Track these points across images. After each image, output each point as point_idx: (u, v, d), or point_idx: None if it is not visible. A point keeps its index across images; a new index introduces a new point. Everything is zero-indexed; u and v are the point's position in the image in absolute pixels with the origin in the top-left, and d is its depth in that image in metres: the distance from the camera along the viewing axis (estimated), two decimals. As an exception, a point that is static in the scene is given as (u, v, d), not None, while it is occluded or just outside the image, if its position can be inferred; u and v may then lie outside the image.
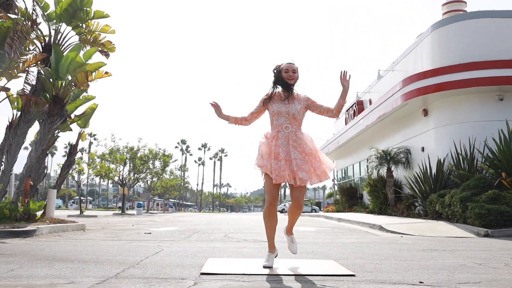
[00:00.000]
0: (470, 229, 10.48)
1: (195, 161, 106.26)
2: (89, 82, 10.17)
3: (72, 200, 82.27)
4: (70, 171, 43.41)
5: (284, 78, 4.50)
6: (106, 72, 10.34)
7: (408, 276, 4.07)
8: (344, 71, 4.43)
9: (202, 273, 4.02)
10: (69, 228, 10.15)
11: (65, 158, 12.64)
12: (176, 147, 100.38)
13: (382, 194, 18.73)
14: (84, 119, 11.84)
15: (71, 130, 11.72)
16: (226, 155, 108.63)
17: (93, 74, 10.28)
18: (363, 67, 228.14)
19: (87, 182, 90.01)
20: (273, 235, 4.51)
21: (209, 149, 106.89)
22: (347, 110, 27.09)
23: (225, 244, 7.17)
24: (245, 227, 12.92)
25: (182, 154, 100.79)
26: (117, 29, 12.04)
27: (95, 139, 72.53)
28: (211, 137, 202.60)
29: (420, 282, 3.74)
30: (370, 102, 22.29)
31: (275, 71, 4.60)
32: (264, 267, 4.37)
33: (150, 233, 9.91)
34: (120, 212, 36.82)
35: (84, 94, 11.61)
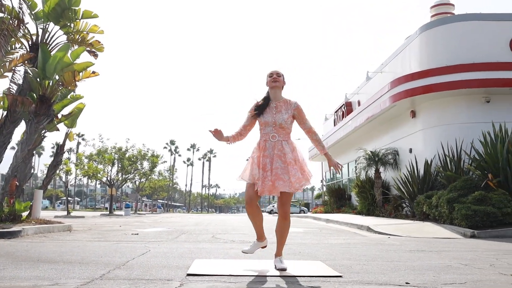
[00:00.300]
0: (456, 230, 10.55)
1: (184, 162, 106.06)
2: (76, 82, 10.09)
3: (60, 201, 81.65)
4: (57, 172, 43.10)
5: (268, 84, 4.57)
6: (94, 72, 10.26)
7: (394, 277, 4.08)
8: (340, 168, 4.67)
9: (188, 274, 4.00)
10: (55, 229, 10.06)
11: (52, 158, 12.51)
12: (165, 147, 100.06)
13: (370, 195, 18.81)
14: (71, 119, 11.74)
15: (58, 130, 11.62)
16: (215, 156, 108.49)
17: (81, 73, 10.20)
18: (353, 68, 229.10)
19: (75, 182, 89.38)
20: (259, 226, 4.54)
21: (198, 149, 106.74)
22: (335, 111, 27.19)
23: (213, 245, 7.15)
24: (232, 227, 12.89)
25: (171, 154, 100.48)
26: (106, 29, 11.98)
27: (83, 139, 72.16)
28: (200, 138, 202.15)
29: (406, 283, 3.75)
30: (359, 104, 22.39)
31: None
32: (243, 251, 4.56)
33: (137, 234, 9.85)
34: (108, 213, 36.61)
35: (72, 93, 11.52)
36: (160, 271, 4.21)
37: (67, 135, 11.86)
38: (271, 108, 4.54)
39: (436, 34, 15.45)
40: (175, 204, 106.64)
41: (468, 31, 14.97)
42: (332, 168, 4.60)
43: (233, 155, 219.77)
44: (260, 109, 4.56)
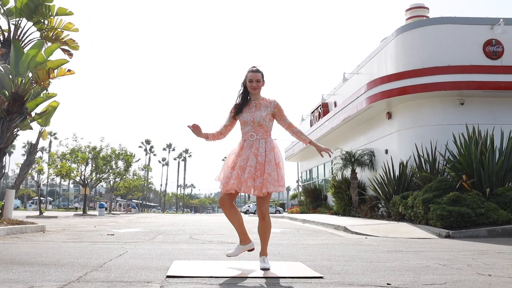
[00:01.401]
0: (432, 230, 10.68)
1: (159, 162, 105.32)
2: (50, 80, 9.87)
3: (31, 201, 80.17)
4: (30, 171, 42.27)
5: (248, 88, 4.53)
6: (69, 70, 10.05)
7: (375, 277, 4.08)
8: (330, 154, 4.71)
9: (168, 276, 3.92)
10: (28, 230, 9.83)
11: (25, 157, 12.22)
12: (140, 147, 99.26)
13: (346, 195, 18.93)
14: (45, 118, 11.49)
15: (31, 128, 11.36)
16: (190, 156, 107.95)
17: (55, 71, 9.98)
18: (329, 69, 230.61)
19: (47, 182, 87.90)
20: (239, 227, 4.53)
21: (173, 149, 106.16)
22: (312, 112, 27.32)
23: (191, 246, 7.07)
24: (209, 228, 12.81)
25: (146, 154, 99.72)
26: (81, 26, 11.78)
27: (55, 138, 71.07)
28: (175, 138, 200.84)
29: (387, 284, 3.75)
30: (335, 105, 22.53)
31: (243, 83, 4.61)
32: (227, 255, 4.52)
33: (113, 234, 9.70)
34: (82, 213, 36.05)
35: (45, 92, 11.27)
36: (139, 273, 4.13)
37: (40, 134, 11.61)
38: (250, 107, 4.53)
39: (412, 37, 15.65)
40: (150, 204, 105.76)
41: (443, 34, 15.20)
42: (323, 153, 4.63)
43: (208, 155, 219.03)
44: (239, 108, 4.53)
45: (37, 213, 29.85)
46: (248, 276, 4.03)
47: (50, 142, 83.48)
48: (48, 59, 10.00)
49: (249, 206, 57.26)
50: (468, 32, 15.11)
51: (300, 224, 16.71)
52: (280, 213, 48.47)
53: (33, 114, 11.12)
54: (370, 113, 17.13)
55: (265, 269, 4.28)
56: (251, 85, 4.51)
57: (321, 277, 4.00)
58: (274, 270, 4.34)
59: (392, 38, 16.27)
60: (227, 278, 3.90)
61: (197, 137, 4.57)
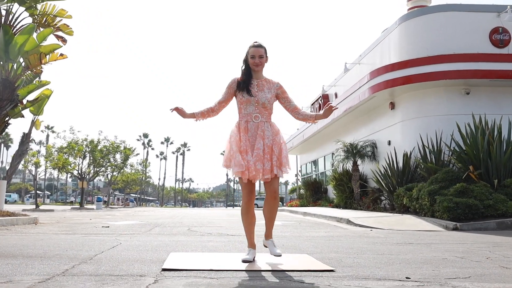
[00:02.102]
0: (438, 222, 10.32)
1: (157, 156, 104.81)
2: (43, 65, 9.46)
3: (29, 195, 79.64)
4: (26, 164, 41.86)
5: (250, 65, 4.14)
6: (62, 54, 9.63)
7: (391, 270, 3.72)
8: (335, 107, 4.10)
9: (164, 269, 3.56)
10: (19, 222, 9.46)
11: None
12: (138, 140, 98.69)
13: (347, 188, 18.55)
14: (37, 106, 11.07)
15: (22, 116, 10.92)
16: (188, 150, 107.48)
17: (47, 56, 9.57)
18: (330, 59, 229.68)
19: (45, 176, 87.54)
20: (251, 232, 4.18)
21: (171, 143, 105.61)
22: (312, 104, 26.91)
23: (189, 238, 6.70)
24: (208, 221, 12.45)
25: (144, 148, 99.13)
26: (80, 26, 11.36)
27: (53, 131, 70.36)
28: (174, 131, 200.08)
29: (406, 277, 3.39)
30: (336, 96, 22.11)
31: (244, 60, 4.22)
32: (243, 261, 4.00)
33: (108, 226, 9.33)
34: (79, 206, 35.64)
35: (38, 79, 10.85)
36: (131, 265, 3.76)
37: (33, 123, 11.20)
38: (252, 86, 4.14)
39: (416, 25, 15.22)
40: (148, 198, 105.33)
41: (448, 21, 14.78)
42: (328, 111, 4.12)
43: (207, 149, 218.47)
44: (243, 86, 4.13)
45: (34, 206, 29.41)
46: (253, 269, 3.66)
47: (48, 136, 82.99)
48: (41, 44, 9.56)
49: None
50: (474, 19, 14.67)
51: (301, 217, 16.36)
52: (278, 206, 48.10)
53: (24, 101, 10.70)
54: (373, 103, 16.73)
55: (277, 255, 3.97)
56: (254, 62, 4.12)
57: (332, 270, 3.64)
58: (281, 262, 3.97)
59: (395, 26, 15.85)
60: (229, 271, 3.53)
61: (184, 119, 4.18)
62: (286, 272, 3.54)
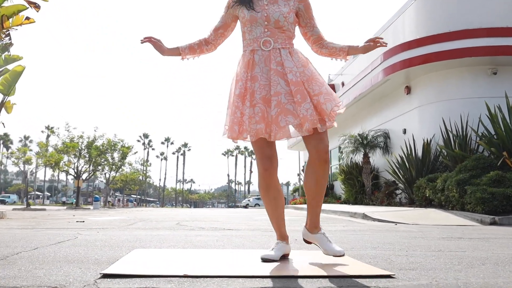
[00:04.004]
0: (470, 216, 8.83)
1: (157, 156, 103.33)
2: (4, 30, 7.99)
3: (29, 196, 78.36)
4: (17, 161, 40.46)
5: None
6: (28, 18, 8.16)
7: (477, 275, 2.24)
8: (384, 43, 2.63)
9: (104, 275, 2.09)
10: (-20, 216, 8.01)
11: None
12: (138, 141, 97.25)
13: (357, 182, 17.06)
14: (7, 85, 9.60)
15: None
16: (189, 150, 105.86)
17: (10, 20, 8.11)
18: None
19: (45, 177, 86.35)
20: (279, 217, 2.73)
21: (172, 143, 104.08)
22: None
23: (173, 232, 5.23)
24: (204, 216, 11.00)
25: (144, 148, 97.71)
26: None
27: (52, 132, 68.82)
28: (174, 131, 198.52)
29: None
30: (343, 85, 20.62)
31: None
32: (263, 259, 2.52)
33: (83, 221, 7.91)
34: (75, 206, 34.14)
35: (7, 53, 9.38)
36: (58, 269, 2.30)
37: (3, 104, 9.73)
38: None
39: (435, -1, 13.69)
40: (149, 199, 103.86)
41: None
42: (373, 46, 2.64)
43: (208, 148, 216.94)
44: None
45: (31, 206, 27.93)
46: (256, 274, 2.19)
47: (48, 136, 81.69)
48: (2, 5, 8.08)
49: (249, 200, 55.40)
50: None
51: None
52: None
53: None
54: (386, 88, 15.20)
55: (339, 255, 2.55)
56: None
57: (390, 276, 2.17)
58: (308, 262, 2.50)
59: (411, 2, 14.34)
60: (214, 279, 2.06)
61: (164, 55, 2.72)
62: (319, 279, 2.07)
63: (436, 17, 13.44)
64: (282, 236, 2.70)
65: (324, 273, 2.16)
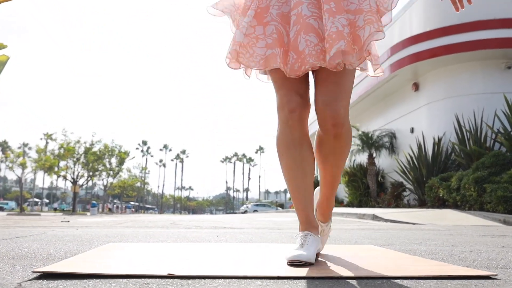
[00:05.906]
0: (491, 216, 8.10)
1: (156, 163, 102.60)
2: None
3: (27, 203, 77.49)
4: (11, 166, 39.62)
5: None
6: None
7: None
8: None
9: (42, 274, 1.34)
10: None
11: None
12: (137, 148, 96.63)
13: (362, 184, 16.32)
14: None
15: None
16: (187, 157, 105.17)
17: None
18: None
19: (43, 184, 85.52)
20: (305, 189, 1.78)
21: (170, 150, 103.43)
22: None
23: (167, 230, 4.49)
24: (203, 219, 10.28)
25: (143, 155, 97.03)
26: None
27: (51, 139, 68.01)
28: (172, 138, 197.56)
29: None
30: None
31: None
32: (291, 262, 1.59)
33: (68, 221, 7.27)
34: (71, 212, 33.29)
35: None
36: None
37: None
38: None
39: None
40: (147, 206, 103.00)
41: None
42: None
43: (206, 155, 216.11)
44: None
45: (27, 213, 27.14)
46: (274, 274, 1.43)
47: (47, 143, 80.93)
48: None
49: (247, 207, 54.58)
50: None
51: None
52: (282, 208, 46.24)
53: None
54: (393, 85, 14.52)
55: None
56: None
57: (492, 277, 1.41)
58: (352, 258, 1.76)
59: (419, -5, 13.70)
60: (211, 280, 1.31)
61: None
62: (396, 280, 1.33)
63: (446, 8, 12.75)
64: (309, 224, 1.77)
65: (398, 273, 1.42)
